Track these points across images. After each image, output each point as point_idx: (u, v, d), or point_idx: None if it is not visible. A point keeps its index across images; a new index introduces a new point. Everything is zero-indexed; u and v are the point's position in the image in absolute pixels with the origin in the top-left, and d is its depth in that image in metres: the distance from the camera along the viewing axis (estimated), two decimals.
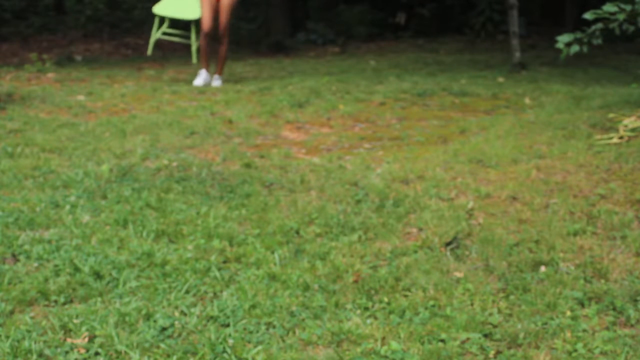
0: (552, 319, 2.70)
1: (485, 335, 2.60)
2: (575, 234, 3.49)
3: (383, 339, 2.57)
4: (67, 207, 3.88)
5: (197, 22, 8.40)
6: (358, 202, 4.02)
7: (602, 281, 3.01)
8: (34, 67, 9.35)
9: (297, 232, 3.59)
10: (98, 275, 3.07)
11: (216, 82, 8.09)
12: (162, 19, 8.79)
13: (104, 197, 4.08)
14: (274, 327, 2.68)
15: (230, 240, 3.47)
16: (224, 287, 3.01)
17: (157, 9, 8.15)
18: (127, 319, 2.69)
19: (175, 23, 9.26)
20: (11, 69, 9.52)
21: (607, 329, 2.64)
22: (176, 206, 3.91)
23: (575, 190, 4.11)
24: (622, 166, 4.51)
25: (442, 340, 2.56)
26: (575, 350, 2.48)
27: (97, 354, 2.49)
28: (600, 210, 3.76)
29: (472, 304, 2.83)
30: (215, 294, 2.96)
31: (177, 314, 2.76)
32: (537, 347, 2.52)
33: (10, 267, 3.14)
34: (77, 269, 3.12)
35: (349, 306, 2.83)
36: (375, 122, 6.32)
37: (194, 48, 8.80)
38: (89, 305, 2.82)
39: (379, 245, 3.43)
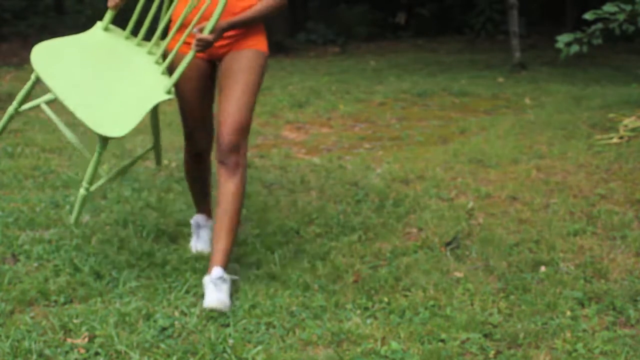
0: (552, 319, 2.70)
1: (485, 335, 2.60)
2: (575, 234, 3.49)
3: (383, 339, 2.57)
4: (67, 207, 3.88)
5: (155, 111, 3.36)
6: (358, 202, 4.02)
7: (602, 281, 3.00)
8: None
9: (297, 232, 3.59)
10: (98, 275, 3.06)
11: (224, 303, 2.85)
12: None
13: (104, 197, 4.08)
14: (274, 327, 2.68)
15: None
16: None
17: (115, 131, 2.83)
18: (127, 319, 2.69)
19: None
20: (11, 69, 9.52)
21: (607, 329, 2.64)
22: (176, 206, 3.90)
23: (575, 190, 4.11)
24: (622, 166, 4.51)
25: (442, 340, 2.56)
26: (575, 350, 2.48)
27: (97, 354, 2.49)
28: (600, 210, 3.76)
29: (472, 304, 2.82)
30: None
31: (177, 314, 2.76)
32: (537, 347, 2.52)
33: (10, 267, 3.14)
34: (77, 269, 3.11)
35: (349, 306, 2.83)
36: (375, 122, 6.32)
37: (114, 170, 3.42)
38: (89, 305, 2.82)
39: (379, 245, 3.43)
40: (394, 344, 2.51)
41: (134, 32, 3.22)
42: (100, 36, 3.15)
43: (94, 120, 2.80)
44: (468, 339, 2.57)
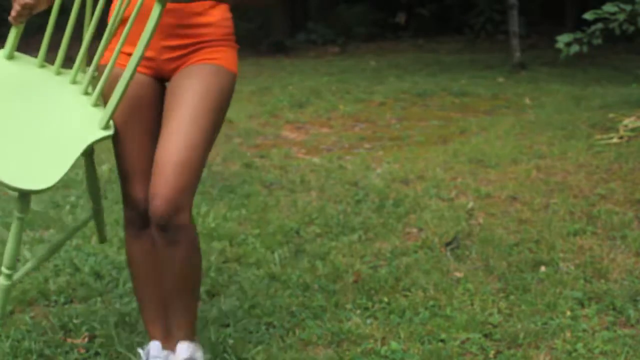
0: (552, 319, 2.70)
1: (485, 335, 2.60)
2: (575, 234, 3.49)
3: (383, 339, 2.57)
4: (67, 207, 3.88)
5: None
6: (358, 202, 4.02)
7: (602, 281, 3.00)
8: None
9: (297, 232, 3.59)
10: (98, 275, 3.06)
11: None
12: None
13: (104, 197, 4.08)
14: (274, 327, 2.68)
15: (230, 240, 3.46)
16: (224, 287, 3.00)
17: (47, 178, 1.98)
18: (127, 319, 2.69)
19: None
20: None
21: (607, 329, 2.64)
22: None
23: (575, 190, 4.11)
24: (622, 166, 4.51)
25: (442, 340, 2.56)
26: (575, 350, 2.48)
27: (97, 354, 2.49)
28: (600, 210, 3.76)
29: (472, 304, 2.82)
30: (214, 294, 2.95)
31: None
32: (537, 347, 2.52)
33: None
34: (77, 269, 3.11)
35: (349, 306, 2.83)
36: (375, 122, 6.32)
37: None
38: (89, 305, 2.82)
39: (379, 245, 3.43)
40: (394, 344, 2.51)
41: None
42: (3, 68, 2.28)
43: (8, 173, 1.94)
44: (468, 339, 2.57)
